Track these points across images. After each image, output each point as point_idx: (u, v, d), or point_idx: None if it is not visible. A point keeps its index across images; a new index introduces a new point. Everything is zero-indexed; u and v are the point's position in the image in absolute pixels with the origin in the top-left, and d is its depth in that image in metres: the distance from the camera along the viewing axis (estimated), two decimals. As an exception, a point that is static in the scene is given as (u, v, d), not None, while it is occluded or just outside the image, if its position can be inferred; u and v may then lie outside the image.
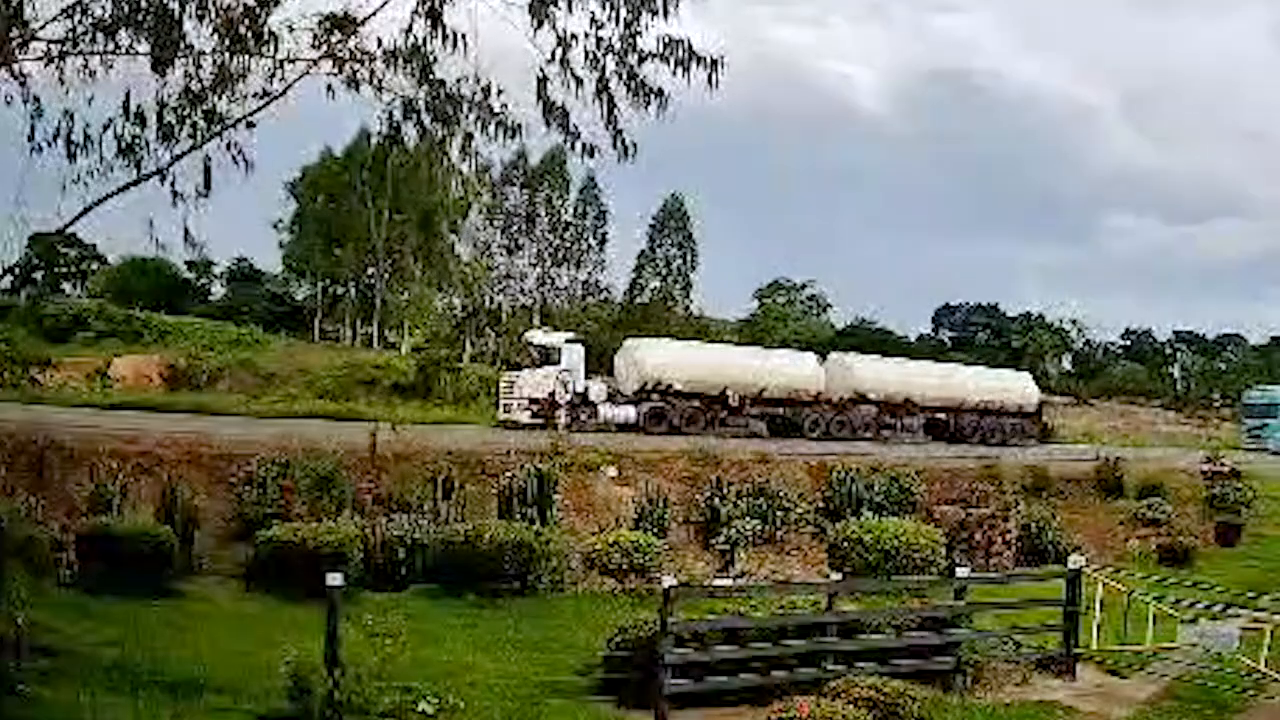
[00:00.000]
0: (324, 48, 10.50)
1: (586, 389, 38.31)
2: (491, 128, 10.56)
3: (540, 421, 35.75)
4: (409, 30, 10.22)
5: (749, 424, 39.96)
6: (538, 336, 42.09)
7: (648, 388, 38.85)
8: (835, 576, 20.14)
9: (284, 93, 10.53)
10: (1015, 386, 47.98)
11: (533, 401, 37.26)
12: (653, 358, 40.02)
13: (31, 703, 12.45)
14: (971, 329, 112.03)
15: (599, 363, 44.05)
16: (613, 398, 38.86)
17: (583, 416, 37.09)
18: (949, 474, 31.59)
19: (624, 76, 10.29)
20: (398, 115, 10.64)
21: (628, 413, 38.08)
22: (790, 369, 42.28)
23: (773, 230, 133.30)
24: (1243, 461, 38.85)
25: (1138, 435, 59.50)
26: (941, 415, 44.17)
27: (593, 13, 10.19)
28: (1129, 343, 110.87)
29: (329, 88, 10.62)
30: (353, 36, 10.50)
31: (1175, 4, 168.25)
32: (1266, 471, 38.33)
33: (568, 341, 39.77)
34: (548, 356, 38.69)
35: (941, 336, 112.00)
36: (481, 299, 78.05)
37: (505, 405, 38.27)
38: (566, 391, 37.29)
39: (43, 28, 10.00)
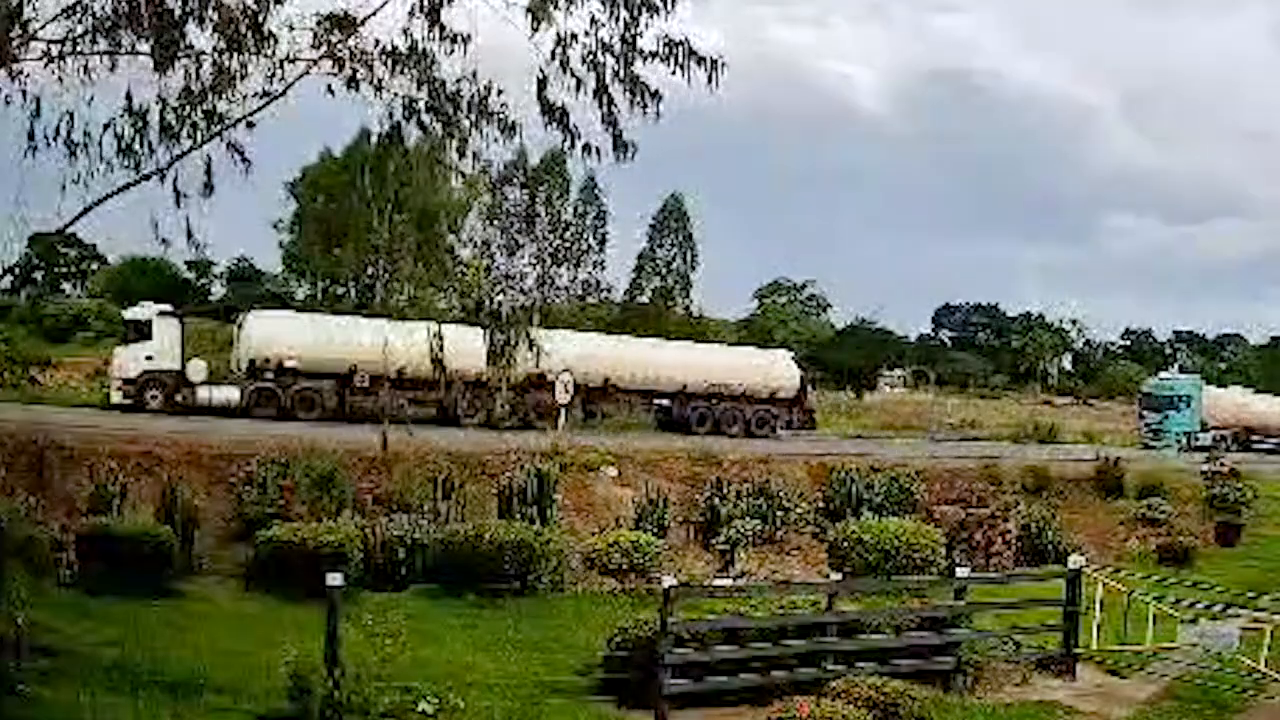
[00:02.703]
0: (324, 48, 10.50)
1: (184, 367, 34.56)
2: (491, 128, 10.59)
3: (130, 403, 33.19)
4: (408, 30, 10.23)
5: (390, 410, 34.87)
6: (131, 312, 37.27)
7: (257, 365, 34.86)
8: (835, 576, 20.11)
9: (284, 93, 10.55)
10: (766, 367, 42.51)
11: (126, 382, 34.02)
12: (260, 330, 35.70)
13: (31, 703, 12.45)
14: (971, 329, 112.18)
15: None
16: (221, 378, 35.45)
17: (179, 398, 33.81)
18: (949, 474, 31.60)
19: (623, 77, 10.29)
20: (398, 115, 10.65)
21: (230, 394, 34.38)
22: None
23: (773, 230, 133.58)
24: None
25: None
26: (664, 401, 39.55)
27: (592, 13, 10.20)
28: (1129, 343, 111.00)
29: (329, 88, 10.63)
30: (353, 36, 10.51)
31: (1175, 4, 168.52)
32: (1267, 471, 38.35)
33: (160, 315, 35.54)
34: (141, 332, 34.82)
35: (941, 336, 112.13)
36: (481, 299, 77.95)
37: (110, 386, 35.08)
38: (155, 369, 33.98)
39: (43, 28, 10.00)
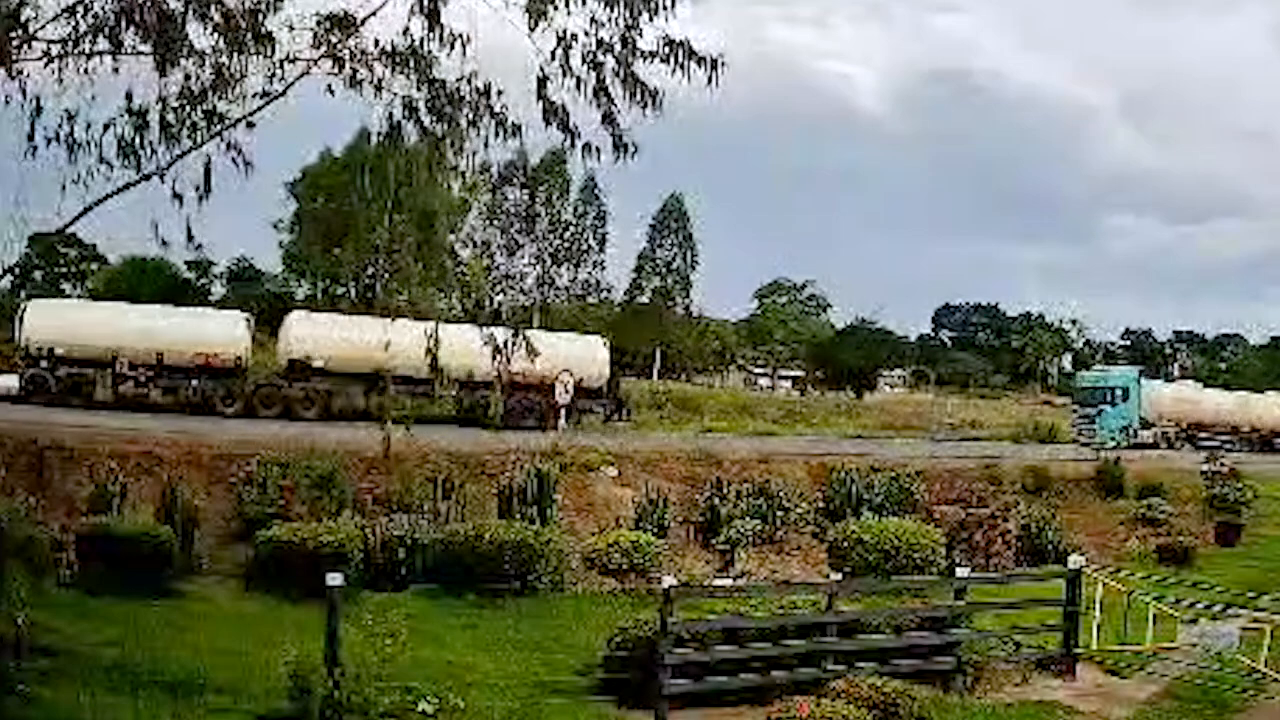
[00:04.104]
0: (324, 48, 10.50)
1: None
2: (491, 127, 10.57)
3: None
4: (407, 30, 10.22)
5: (165, 395, 34.83)
6: None
7: (31, 353, 34.34)
8: (835, 576, 20.11)
9: (284, 93, 10.54)
10: (569, 355, 37.95)
11: None
12: (34, 319, 35.00)
13: (31, 703, 12.45)
14: (971, 329, 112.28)
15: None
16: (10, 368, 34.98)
17: None
18: (949, 474, 31.61)
19: (623, 77, 10.29)
20: (398, 115, 10.65)
21: (10, 382, 33.98)
22: (202, 329, 35.94)
23: (773, 230, 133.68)
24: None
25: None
26: (451, 393, 35.65)
27: (592, 13, 10.19)
28: (1129, 343, 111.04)
29: (329, 88, 10.63)
30: (353, 36, 10.50)
31: (1175, 4, 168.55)
32: (1267, 471, 38.34)
33: None
34: None
35: (941, 336, 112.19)
36: (481, 299, 78.01)
37: None
38: None
39: (42, 28, 10.00)
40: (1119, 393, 50.34)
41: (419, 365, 38.93)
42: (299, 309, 41.51)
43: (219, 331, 35.88)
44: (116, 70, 9.97)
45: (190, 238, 10.37)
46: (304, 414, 34.62)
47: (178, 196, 10.20)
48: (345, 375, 35.57)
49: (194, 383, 34.92)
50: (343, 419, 34.04)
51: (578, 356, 38.57)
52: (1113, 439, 46.68)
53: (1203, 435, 51.45)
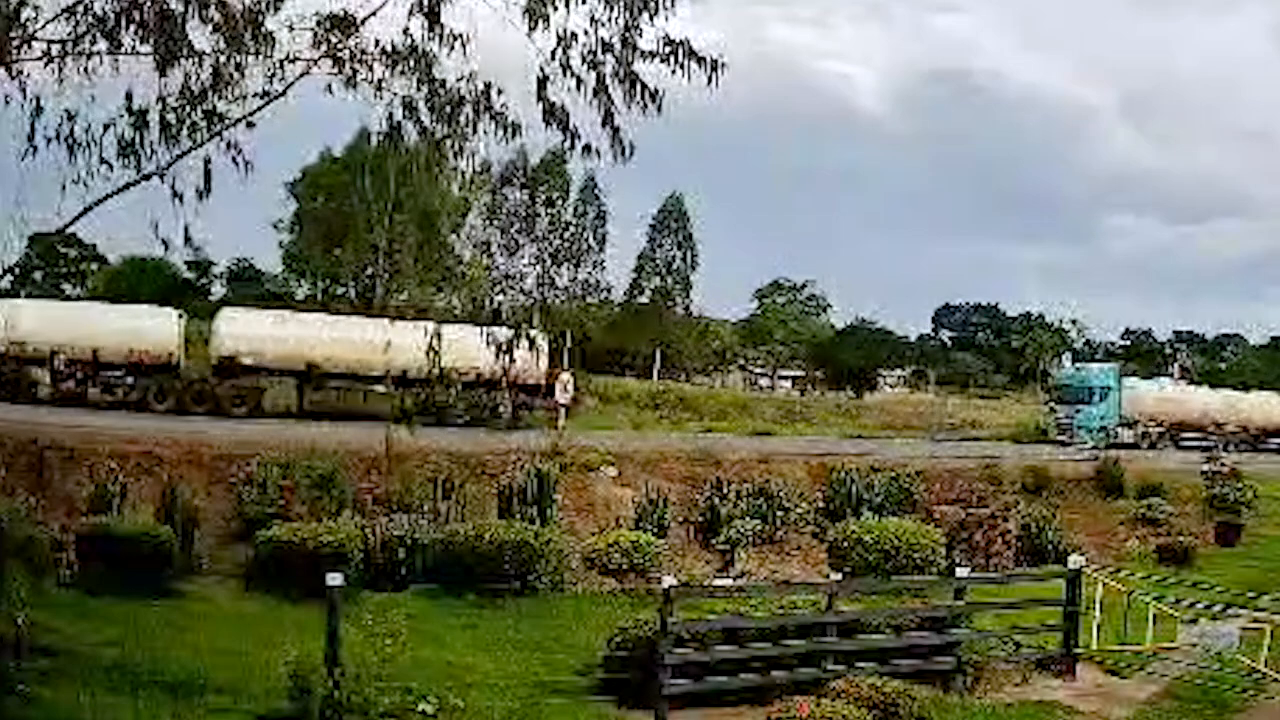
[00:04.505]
0: (324, 48, 10.50)
1: None
2: (491, 128, 10.56)
3: None
4: (407, 30, 10.22)
5: (104, 394, 34.06)
6: None
7: None
8: (835, 576, 20.13)
9: (284, 93, 10.53)
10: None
11: None
12: None
13: (31, 703, 12.45)
14: (971, 329, 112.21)
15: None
16: None
17: None
18: (949, 474, 31.63)
19: (622, 77, 10.28)
20: (398, 115, 10.62)
21: None
22: (135, 327, 35.11)
23: (773, 230, 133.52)
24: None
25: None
26: (379, 388, 35.74)
27: (592, 12, 10.18)
28: (1129, 343, 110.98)
29: (329, 87, 10.61)
30: (352, 36, 10.50)
31: (1175, 4, 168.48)
32: (1267, 471, 38.35)
33: None
34: None
35: (941, 336, 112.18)
36: (481, 299, 78.02)
37: None
38: None
39: (42, 28, 10.00)
40: (1098, 391, 49.21)
41: (353, 362, 39.07)
42: (231, 306, 40.94)
43: (152, 328, 35.48)
44: (116, 70, 9.97)
45: (188, 239, 10.36)
46: (234, 411, 34.22)
47: (178, 196, 10.19)
48: (276, 372, 35.40)
49: (130, 380, 34.50)
50: (273, 416, 33.98)
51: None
52: (1091, 438, 45.87)
53: (1187, 435, 50.33)
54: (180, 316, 36.38)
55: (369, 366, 35.57)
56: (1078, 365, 56.31)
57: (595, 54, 10.25)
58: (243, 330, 36.03)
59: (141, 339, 34.67)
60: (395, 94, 10.54)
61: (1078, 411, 48.38)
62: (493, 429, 33.39)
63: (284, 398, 35.70)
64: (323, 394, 35.88)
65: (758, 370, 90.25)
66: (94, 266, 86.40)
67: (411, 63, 10.32)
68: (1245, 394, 57.41)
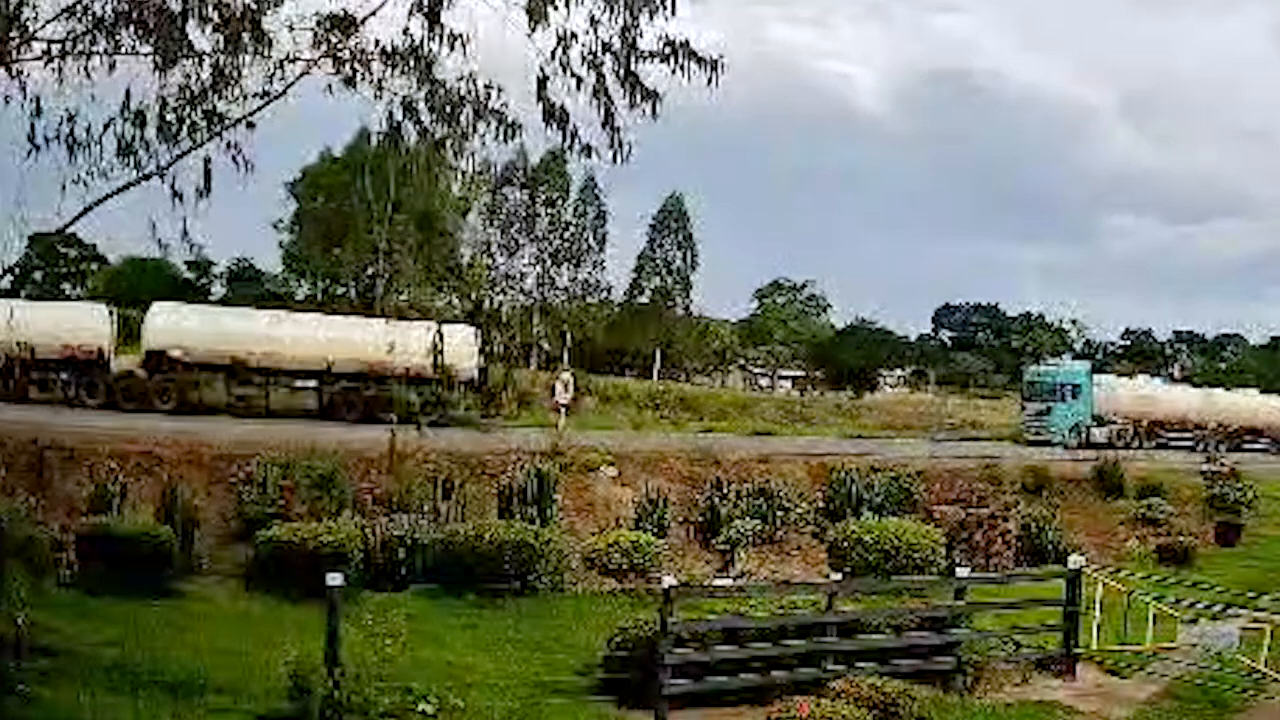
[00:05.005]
0: (324, 47, 10.50)
1: None
2: (491, 128, 10.56)
3: None
4: (407, 30, 10.22)
5: (41, 391, 33.44)
6: None
7: None
8: (835, 576, 20.12)
9: (284, 93, 10.53)
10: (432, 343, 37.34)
11: None
12: None
13: (31, 703, 12.45)
14: (971, 329, 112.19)
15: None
16: None
17: None
18: (949, 474, 31.62)
19: (623, 77, 10.28)
20: (397, 115, 10.63)
21: None
22: (66, 321, 34.57)
23: (773, 230, 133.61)
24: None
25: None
26: (311, 383, 35.91)
27: (592, 13, 10.18)
28: (1129, 343, 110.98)
29: (329, 87, 10.61)
30: (352, 36, 10.50)
31: (1175, 4, 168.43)
32: (1267, 471, 38.36)
33: None
34: None
35: (941, 336, 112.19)
36: (481, 299, 78.02)
37: None
38: None
39: (42, 27, 10.00)
40: (1069, 389, 48.01)
41: (281, 358, 38.88)
42: (163, 301, 40.40)
43: (84, 324, 35.19)
44: (112, 68, 9.97)
45: (185, 237, 10.35)
46: (161, 405, 34.09)
47: (178, 196, 10.19)
48: (204, 367, 35.39)
49: (62, 375, 34.20)
50: (201, 412, 33.91)
51: (446, 345, 36.76)
52: (1063, 437, 45.20)
53: (1164, 433, 49.42)
54: (110, 312, 36.32)
55: (296, 362, 35.75)
56: (1048, 362, 54.71)
57: (595, 54, 10.25)
58: (170, 325, 35.98)
59: (75, 335, 34.50)
60: (395, 94, 10.56)
61: (1048, 410, 47.48)
62: (423, 425, 32.76)
63: (213, 393, 35.69)
64: (251, 390, 35.87)
65: (758, 370, 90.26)
66: (94, 266, 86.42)
67: (411, 63, 10.33)
68: (1226, 392, 56.37)
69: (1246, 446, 50.57)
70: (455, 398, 36.05)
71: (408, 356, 33.14)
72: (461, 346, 35.70)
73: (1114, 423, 48.35)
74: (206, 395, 35.53)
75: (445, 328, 38.75)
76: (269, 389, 35.86)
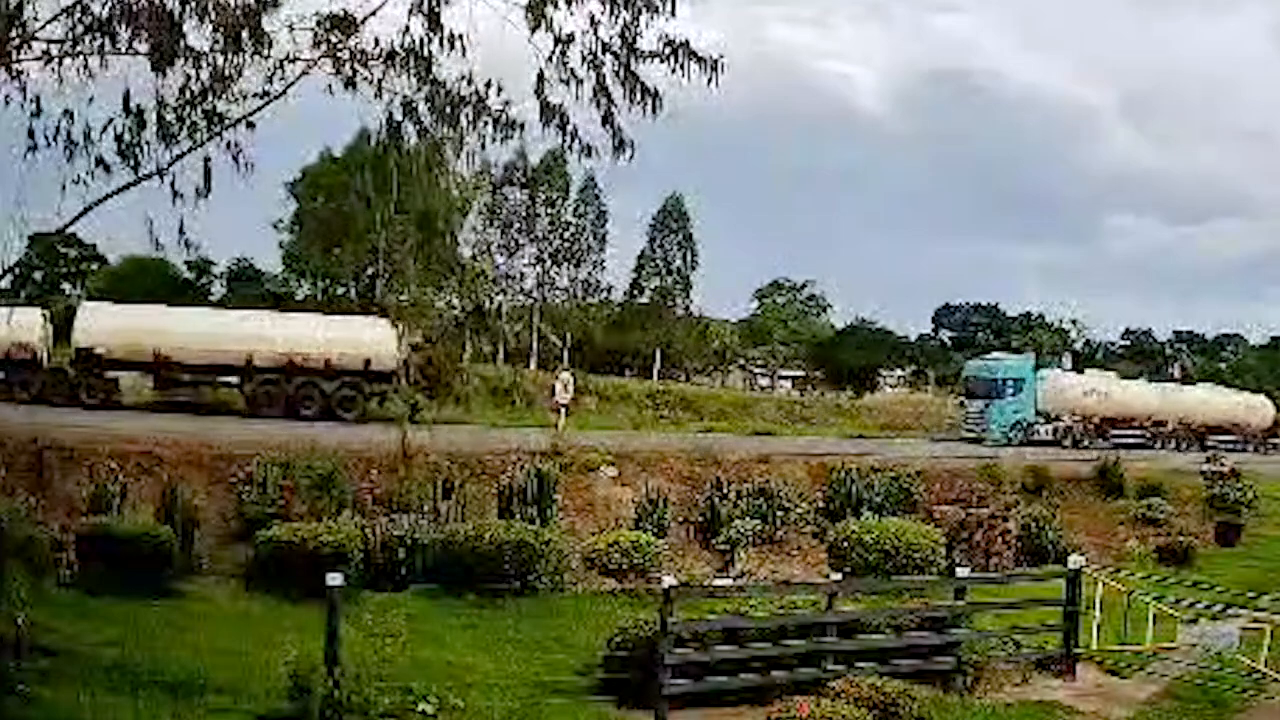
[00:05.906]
0: (323, 47, 10.49)
1: None
2: (491, 127, 10.56)
3: None
4: (407, 30, 10.22)
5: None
6: None
7: None
8: (835, 576, 20.12)
9: (284, 93, 10.53)
10: (354, 336, 37.02)
11: None
12: None
13: (31, 703, 12.45)
14: (971, 329, 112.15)
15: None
16: None
17: None
18: (949, 474, 31.62)
19: (623, 77, 10.28)
20: (397, 115, 10.63)
21: None
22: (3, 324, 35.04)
23: (773, 230, 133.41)
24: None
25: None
26: (232, 379, 35.96)
27: (592, 13, 10.18)
28: (1129, 343, 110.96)
29: (329, 88, 10.62)
30: (352, 36, 10.50)
31: (1175, 4, 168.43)
32: (1267, 471, 38.36)
33: None
34: None
35: (941, 336, 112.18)
36: (481, 299, 78.02)
37: None
38: None
39: (42, 27, 10.00)
40: (1010, 384, 46.81)
41: (203, 353, 39.39)
42: (92, 300, 41.39)
43: (17, 325, 34.95)
44: (107, 68, 9.97)
45: (181, 237, 10.35)
46: (88, 401, 34.48)
47: (178, 196, 10.19)
48: (129, 364, 35.96)
49: (1, 374, 34.82)
50: (129, 409, 34.28)
51: (352, 339, 36.95)
52: (1003, 434, 44.24)
53: (1118, 431, 48.07)
54: (42, 314, 37.09)
55: (219, 358, 36.06)
56: (989, 357, 53.15)
57: (595, 54, 10.25)
58: (96, 323, 36.30)
59: (12, 335, 34.87)
60: (395, 94, 10.55)
61: (988, 406, 46.19)
62: (344, 419, 34.29)
63: (139, 390, 36.32)
64: (176, 386, 36.41)
65: (758, 370, 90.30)
66: (94, 266, 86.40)
67: (411, 63, 10.32)
68: (1190, 389, 54.92)
69: (1209, 445, 48.61)
70: (381, 391, 36.59)
71: (328, 350, 35.72)
72: (380, 340, 36.38)
73: (1060, 420, 47.20)
74: (130, 392, 36.32)
75: (362, 320, 39.86)
76: (193, 385, 36.51)
